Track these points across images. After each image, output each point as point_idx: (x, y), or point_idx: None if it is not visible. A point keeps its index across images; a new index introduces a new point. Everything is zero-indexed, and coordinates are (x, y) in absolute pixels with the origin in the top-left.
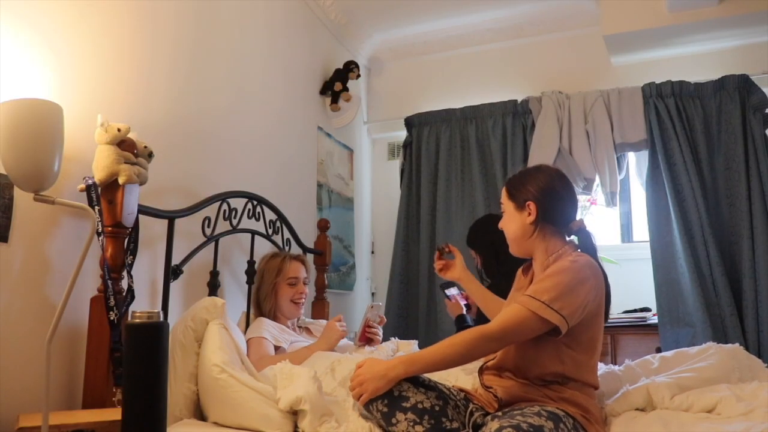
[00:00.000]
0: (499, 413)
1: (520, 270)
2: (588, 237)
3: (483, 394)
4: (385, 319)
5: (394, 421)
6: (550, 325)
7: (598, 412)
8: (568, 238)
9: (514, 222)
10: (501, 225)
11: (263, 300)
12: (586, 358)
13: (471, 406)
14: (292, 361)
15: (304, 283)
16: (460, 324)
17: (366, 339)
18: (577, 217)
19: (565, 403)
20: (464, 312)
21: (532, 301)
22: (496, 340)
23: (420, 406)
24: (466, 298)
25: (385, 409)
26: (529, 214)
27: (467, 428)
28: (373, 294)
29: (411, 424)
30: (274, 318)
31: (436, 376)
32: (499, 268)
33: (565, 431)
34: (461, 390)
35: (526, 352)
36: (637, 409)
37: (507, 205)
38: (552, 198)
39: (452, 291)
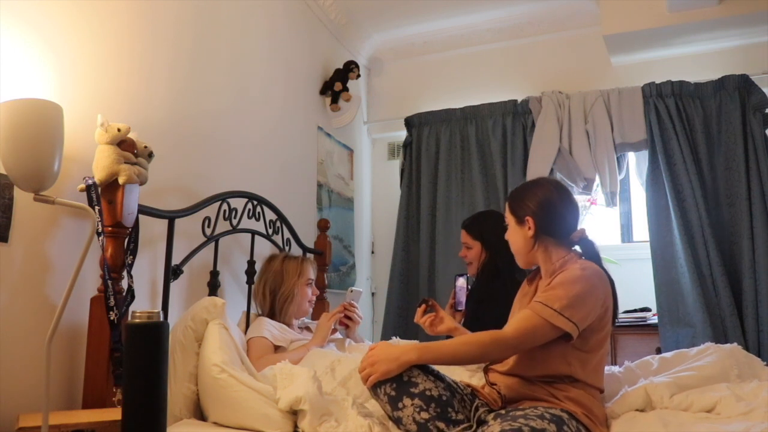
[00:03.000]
0: (502, 411)
1: (525, 280)
2: (591, 245)
3: (489, 391)
4: (357, 307)
5: (400, 405)
6: (562, 332)
7: (602, 413)
8: (571, 247)
9: (516, 235)
10: (507, 237)
11: (283, 301)
12: (592, 358)
13: (477, 401)
14: (290, 360)
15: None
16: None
17: (343, 324)
18: (579, 227)
19: (571, 403)
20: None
21: (545, 309)
22: (512, 348)
23: (428, 393)
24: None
25: (393, 393)
26: (529, 228)
27: (472, 422)
28: (373, 294)
29: (417, 410)
30: (285, 318)
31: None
32: (493, 283)
33: None
34: (468, 385)
35: (535, 354)
36: (636, 410)
37: (509, 220)
38: (550, 212)
39: (461, 283)
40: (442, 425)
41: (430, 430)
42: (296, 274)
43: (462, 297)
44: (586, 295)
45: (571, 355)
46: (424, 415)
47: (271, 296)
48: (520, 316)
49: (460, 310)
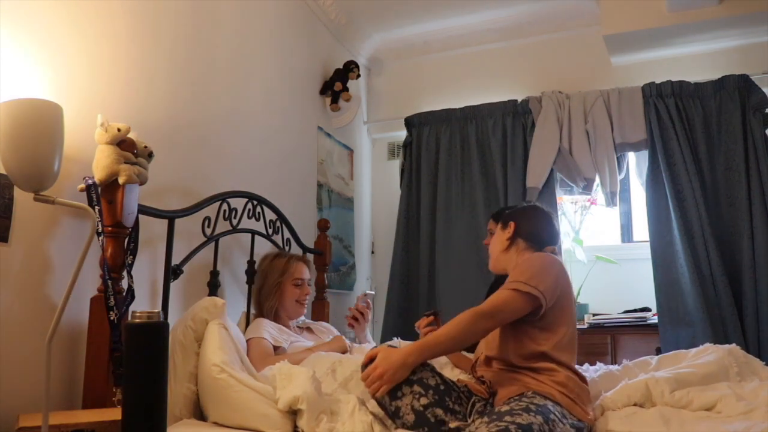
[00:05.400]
0: (492, 408)
1: None
2: None
3: (478, 386)
4: (371, 304)
5: (399, 394)
6: (531, 300)
7: (585, 393)
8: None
9: (496, 239)
10: (490, 245)
11: (265, 299)
12: (556, 335)
13: (474, 397)
14: (292, 362)
15: (308, 284)
16: None
17: (350, 325)
18: (556, 247)
19: (555, 385)
20: None
21: (512, 284)
22: (489, 317)
23: (426, 381)
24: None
25: None
26: (509, 230)
27: (467, 417)
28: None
29: (416, 396)
30: (276, 317)
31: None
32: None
33: (556, 421)
34: (465, 384)
35: (507, 338)
36: (635, 404)
37: (497, 228)
38: (531, 220)
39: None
40: (439, 412)
41: (427, 419)
42: (280, 272)
43: None
44: (545, 268)
45: (538, 336)
46: (423, 401)
47: (257, 295)
48: (495, 294)
49: None
